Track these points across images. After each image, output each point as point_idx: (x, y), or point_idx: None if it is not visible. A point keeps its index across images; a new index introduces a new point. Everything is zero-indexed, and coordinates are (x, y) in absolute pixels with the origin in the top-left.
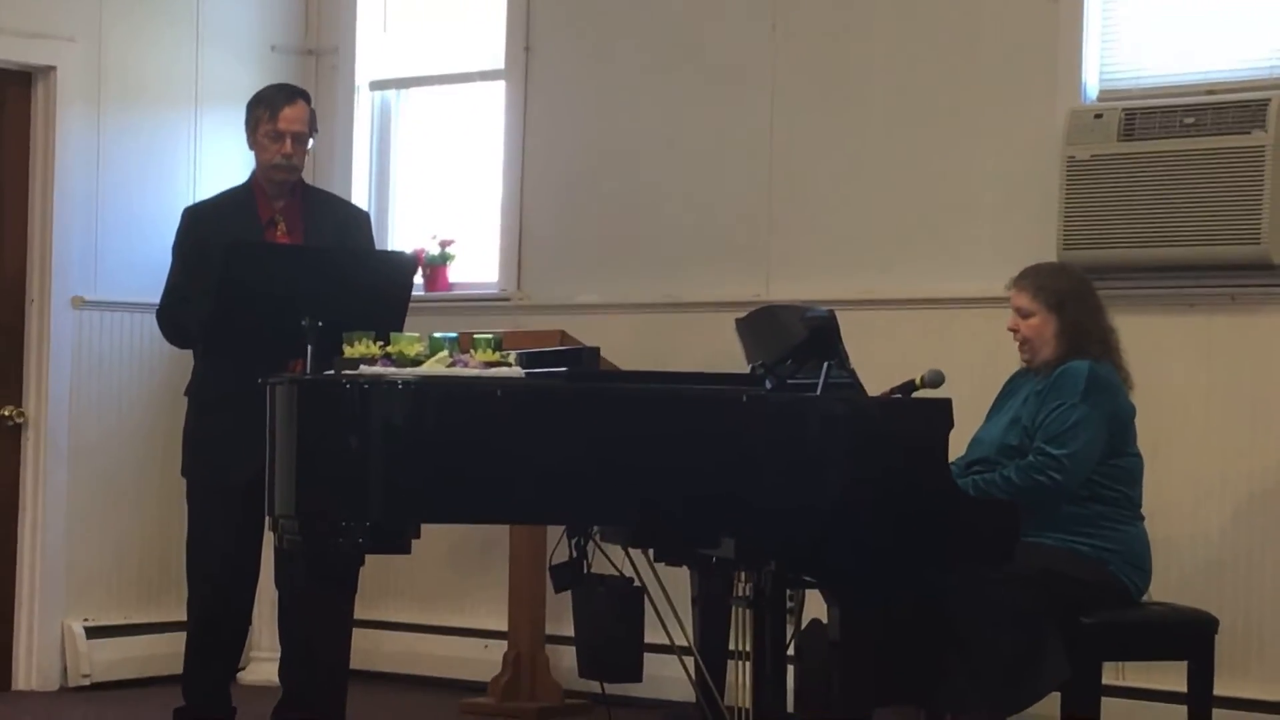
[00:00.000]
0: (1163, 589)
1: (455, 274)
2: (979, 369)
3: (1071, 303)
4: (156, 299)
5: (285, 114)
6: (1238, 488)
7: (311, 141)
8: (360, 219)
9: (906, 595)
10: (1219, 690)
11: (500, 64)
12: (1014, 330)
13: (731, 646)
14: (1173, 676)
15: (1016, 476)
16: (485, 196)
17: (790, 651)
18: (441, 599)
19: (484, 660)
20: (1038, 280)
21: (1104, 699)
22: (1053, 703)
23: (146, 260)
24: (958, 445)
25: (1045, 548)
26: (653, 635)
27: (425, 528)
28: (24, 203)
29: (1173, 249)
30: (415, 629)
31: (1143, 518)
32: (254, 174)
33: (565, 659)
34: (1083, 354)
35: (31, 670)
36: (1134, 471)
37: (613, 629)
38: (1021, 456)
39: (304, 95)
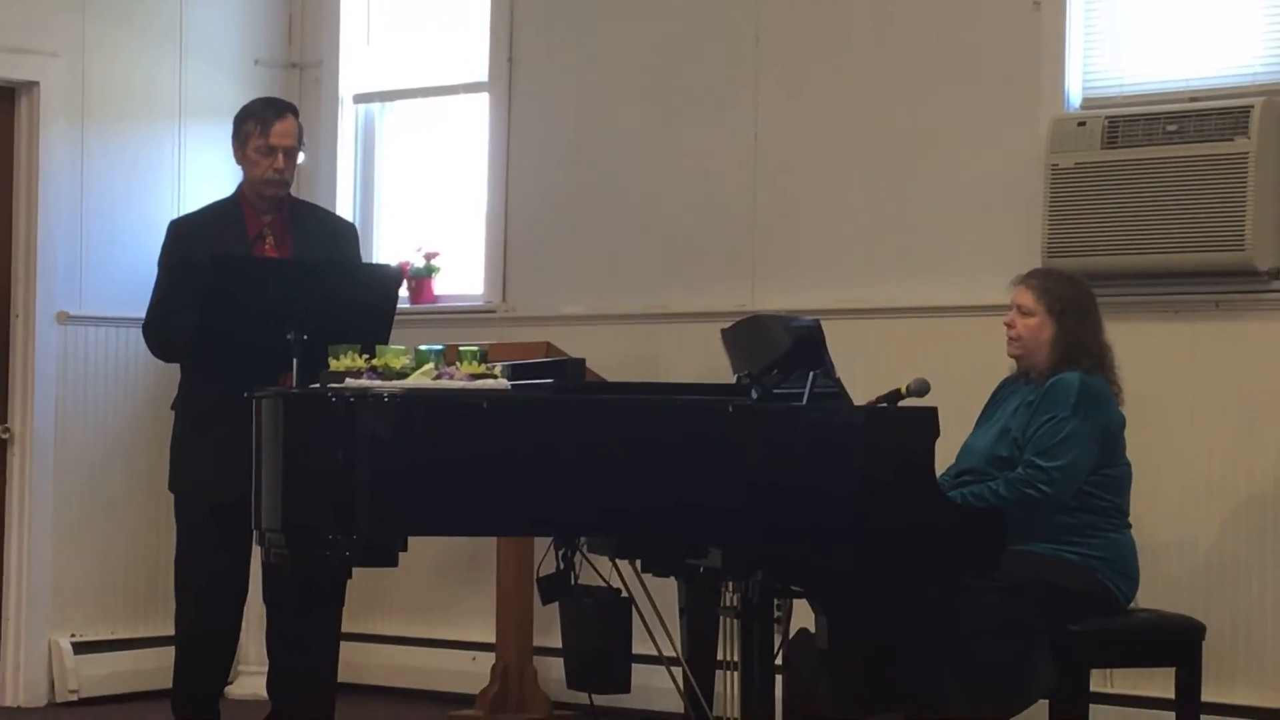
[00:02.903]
0: (1150, 595)
1: (440, 286)
2: (964, 377)
3: (1073, 313)
4: (142, 313)
5: (276, 129)
6: (1224, 494)
7: (302, 155)
8: (348, 232)
9: (894, 604)
10: (1207, 696)
11: (484, 76)
12: (1009, 325)
13: (720, 657)
14: (1160, 683)
15: (1005, 489)
16: (470, 208)
17: (778, 661)
18: (429, 611)
19: (472, 672)
20: (1045, 283)
21: (1092, 706)
22: (1041, 710)
23: (131, 275)
24: (945, 454)
25: (1033, 556)
26: (641, 646)
27: (412, 540)
28: (8, 218)
29: (1157, 256)
30: (403, 642)
31: (1130, 525)
32: (241, 187)
33: (553, 670)
34: (1075, 366)
35: (19, 686)
36: (1123, 481)
37: (601, 640)
38: (1011, 468)
39: (293, 109)
